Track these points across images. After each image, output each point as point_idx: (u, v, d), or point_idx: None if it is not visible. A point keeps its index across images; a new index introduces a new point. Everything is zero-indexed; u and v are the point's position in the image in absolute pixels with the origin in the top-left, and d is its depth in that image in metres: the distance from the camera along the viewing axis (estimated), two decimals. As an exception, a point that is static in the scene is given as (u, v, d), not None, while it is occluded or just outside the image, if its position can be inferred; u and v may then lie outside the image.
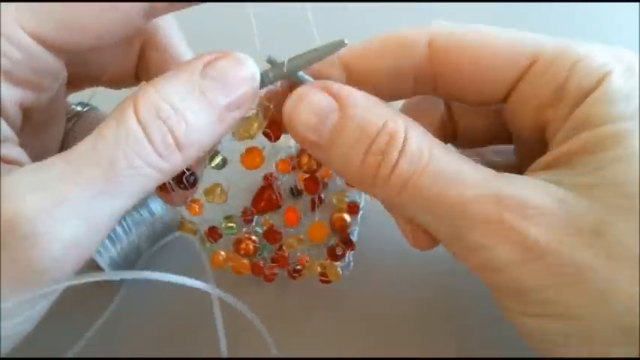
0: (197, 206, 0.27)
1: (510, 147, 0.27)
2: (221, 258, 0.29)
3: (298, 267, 0.29)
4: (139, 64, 0.25)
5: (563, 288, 0.18)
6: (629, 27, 0.39)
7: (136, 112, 0.19)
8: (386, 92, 0.22)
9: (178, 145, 0.19)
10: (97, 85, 0.26)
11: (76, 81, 0.25)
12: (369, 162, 0.20)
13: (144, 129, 0.19)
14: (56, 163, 0.18)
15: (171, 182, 0.24)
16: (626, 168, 0.18)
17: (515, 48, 0.21)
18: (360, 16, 0.44)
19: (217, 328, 0.23)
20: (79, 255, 0.19)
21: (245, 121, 0.22)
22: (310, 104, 0.20)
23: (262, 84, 0.21)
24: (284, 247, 0.28)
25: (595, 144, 0.18)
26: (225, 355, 0.23)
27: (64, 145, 0.27)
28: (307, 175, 0.27)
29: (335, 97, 0.20)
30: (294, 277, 0.29)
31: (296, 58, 0.21)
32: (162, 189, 0.24)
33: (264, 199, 0.27)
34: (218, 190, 0.27)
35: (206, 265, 0.27)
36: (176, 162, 0.20)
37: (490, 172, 0.19)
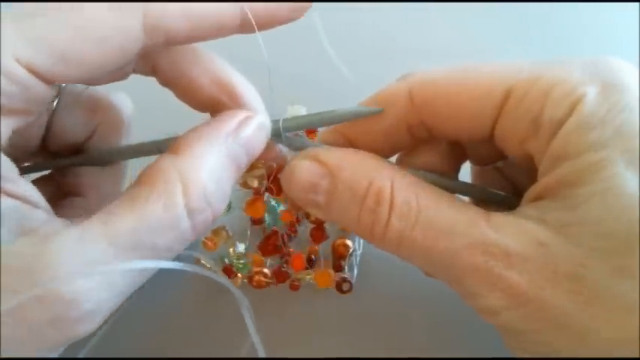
0: (211, 243, 0.29)
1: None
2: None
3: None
4: (140, 67, 0.24)
5: (548, 332, 0.18)
6: (629, 27, 0.40)
7: (186, 195, 0.20)
8: (386, 148, 0.24)
9: (215, 219, 0.21)
10: (85, 84, 0.25)
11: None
12: (364, 221, 0.21)
13: (190, 214, 0.20)
14: (99, 241, 0.19)
15: None
16: (601, 205, 0.18)
17: (488, 85, 0.21)
18: (369, 17, 0.43)
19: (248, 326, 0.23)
20: (103, 318, 0.20)
21: (249, 173, 0.25)
22: (302, 174, 0.22)
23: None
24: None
25: (573, 177, 0.18)
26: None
27: (51, 132, 0.26)
28: (313, 226, 0.30)
29: (323, 164, 0.22)
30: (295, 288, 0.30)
31: (297, 118, 0.24)
32: None
33: (270, 244, 0.30)
34: (223, 233, 0.30)
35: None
36: (204, 230, 0.21)
37: (478, 217, 0.20)
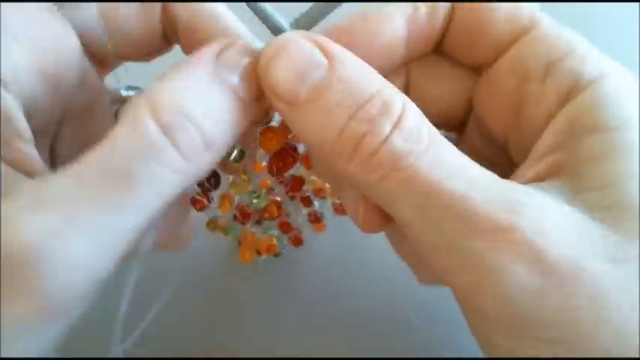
0: (227, 202, 0.27)
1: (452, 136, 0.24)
2: (250, 239, 0.29)
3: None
4: (164, 28, 0.23)
5: (584, 320, 0.15)
6: (629, 27, 0.39)
7: (154, 114, 0.17)
8: (384, 65, 0.20)
9: (207, 145, 0.17)
10: (127, 60, 0.25)
11: (101, 61, 0.23)
12: (352, 129, 0.17)
13: (167, 132, 0.17)
14: (60, 180, 0.16)
15: (196, 189, 0.23)
16: (636, 188, 0.16)
17: (519, 9, 0.19)
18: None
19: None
20: (91, 277, 0.17)
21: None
22: (294, 55, 0.17)
23: None
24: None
25: (604, 154, 0.16)
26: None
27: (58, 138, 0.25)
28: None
29: (324, 51, 0.17)
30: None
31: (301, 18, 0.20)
32: (195, 202, 0.24)
33: (281, 159, 0.25)
34: (243, 183, 0.26)
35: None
36: (204, 163, 0.18)
37: (498, 177, 0.17)
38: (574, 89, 0.17)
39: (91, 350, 0.24)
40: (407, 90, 0.23)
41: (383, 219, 0.19)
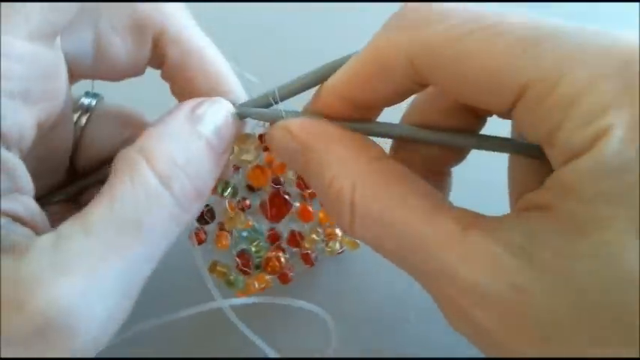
0: (224, 239, 0.29)
1: None
2: (254, 284, 0.30)
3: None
4: (152, 59, 0.24)
5: None
6: (629, 27, 0.39)
7: (151, 166, 0.18)
8: (393, 100, 0.21)
9: (198, 194, 0.19)
10: (103, 79, 0.25)
11: (81, 76, 0.24)
12: (329, 210, 0.20)
13: (165, 181, 0.18)
14: (75, 237, 0.17)
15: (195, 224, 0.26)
16: (595, 273, 0.15)
17: (502, 73, 0.17)
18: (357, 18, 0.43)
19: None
20: (116, 326, 0.18)
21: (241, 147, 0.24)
22: (279, 144, 0.21)
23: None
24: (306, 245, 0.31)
25: (573, 221, 0.16)
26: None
27: (80, 146, 0.26)
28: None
29: (295, 138, 0.21)
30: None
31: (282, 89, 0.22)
32: (196, 235, 0.27)
33: (275, 205, 0.29)
34: (239, 217, 0.29)
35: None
36: (196, 211, 0.20)
37: (450, 235, 0.17)
38: (571, 157, 0.16)
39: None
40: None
41: None
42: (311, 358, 0.28)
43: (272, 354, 0.25)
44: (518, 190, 0.22)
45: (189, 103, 0.21)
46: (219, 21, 0.25)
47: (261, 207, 0.27)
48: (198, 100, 0.21)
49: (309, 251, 0.31)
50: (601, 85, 0.15)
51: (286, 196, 0.29)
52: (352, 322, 0.29)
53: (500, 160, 0.23)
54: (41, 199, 0.21)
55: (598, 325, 0.15)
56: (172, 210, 0.18)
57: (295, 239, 0.30)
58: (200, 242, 0.28)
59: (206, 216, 0.27)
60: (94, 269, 0.17)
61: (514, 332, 0.16)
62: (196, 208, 0.20)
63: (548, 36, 0.16)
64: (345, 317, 0.29)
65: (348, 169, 0.19)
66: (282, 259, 0.30)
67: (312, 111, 0.22)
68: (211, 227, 0.29)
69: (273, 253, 0.30)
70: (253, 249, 0.30)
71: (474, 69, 0.17)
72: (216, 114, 0.21)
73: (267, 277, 0.30)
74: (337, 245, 0.31)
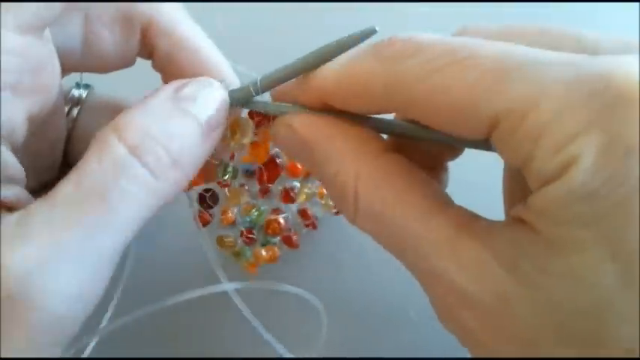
0: (230, 214, 0.29)
1: None
2: (265, 254, 0.31)
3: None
4: (141, 51, 0.24)
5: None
6: (629, 27, 0.40)
7: (121, 138, 0.18)
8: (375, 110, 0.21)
9: (174, 162, 0.19)
10: (93, 72, 0.25)
11: (71, 69, 0.24)
12: (334, 202, 0.20)
13: (134, 151, 0.18)
14: (40, 210, 0.17)
15: (196, 205, 0.26)
16: (571, 293, 0.15)
17: (473, 107, 0.17)
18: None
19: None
20: (88, 303, 0.18)
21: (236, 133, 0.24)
22: (283, 141, 0.22)
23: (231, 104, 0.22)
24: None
25: (549, 242, 0.16)
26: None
27: (73, 139, 0.26)
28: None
29: (299, 135, 0.21)
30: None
31: (266, 78, 0.22)
32: (200, 217, 0.26)
33: (269, 169, 0.28)
34: (237, 193, 0.29)
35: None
36: (173, 181, 0.19)
37: (444, 237, 0.18)
38: (543, 184, 0.16)
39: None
40: None
41: None
42: (310, 357, 0.29)
43: (272, 340, 0.25)
44: (510, 198, 0.22)
45: (174, 83, 0.21)
46: (219, 20, 0.25)
47: (256, 173, 0.27)
48: (184, 80, 0.21)
49: (293, 235, 0.32)
50: (568, 115, 0.15)
51: (278, 161, 0.29)
52: (352, 321, 0.29)
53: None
54: (35, 195, 0.21)
55: (573, 339, 0.16)
56: (146, 181, 0.18)
57: (288, 195, 0.30)
58: (205, 223, 0.27)
59: (209, 200, 0.27)
60: (55, 239, 0.16)
61: (496, 335, 0.17)
62: (177, 180, 0.19)
63: (516, 68, 0.16)
64: (345, 316, 0.29)
65: (351, 163, 0.19)
66: (282, 220, 0.30)
67: (302, 102, 0.21)
68: (216, 210, 0.29)
69: (272, 216, 0.30)
70: (256, 213, 0.30)
71: (446, 102, 0.17)
72: (205, 93, 0.21)
73: (275, 246, 0.31)
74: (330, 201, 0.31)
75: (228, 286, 0.24)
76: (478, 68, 0.17)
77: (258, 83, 0.21)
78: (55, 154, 0.25)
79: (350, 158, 0.20)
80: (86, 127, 0.26)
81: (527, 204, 0.17)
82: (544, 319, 0.16)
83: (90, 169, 0.17)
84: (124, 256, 0.27)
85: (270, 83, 0.21)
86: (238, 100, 0.22)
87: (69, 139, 0.26)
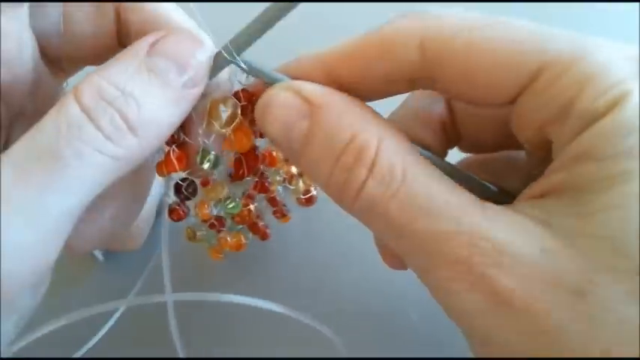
0: (206, 208, 0.26)
1: (523, 154, 0.24)
2: (230, 240, 0.30)
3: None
4: (119, 32, 0.23)
5: (535, 347, 0.16)
6: (629, 27, 0.39)
7: (77, 98, 0.18)
8: (378, 93, 0.20)
9: (131, 127, 0.18)
10: (83, 65, 0.25)
11: (57, 65, 0.23)
12: (336, 177, 0.18)
13: (88, 113, 0.17)
14: None
15: (173, 197, 0.23)
16: (623, 220, 0.15)
17: (519, 56, 0.17)
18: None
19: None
20: (35, 261, 0.17)
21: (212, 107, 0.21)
22: (279, 108, 0.19)
23: (217, 66, 0.20)
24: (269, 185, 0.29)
25: (593, 180, 0.16)
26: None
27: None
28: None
29: (307, 100, 0.19)
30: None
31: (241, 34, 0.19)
32: (172, 212, 0.24)
33: (250, 160, 0.24)
34: (217, 187, 0.26)
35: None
36: (132, 146, 0.18)
37: (470, 203, 0.17)
38: (587, 125, 0.17)
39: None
40: (452, 117, 0.24)
41: (400, 262, 0.21)
42: (309, 357, 0.28)
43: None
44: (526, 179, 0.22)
45: (151, 36, 0.19)
46: (219, 21, 0.25)
47: (235, 163, 0.23)
48: (161, 33, 0.20)
49: (260, 223, 0.31)
50: (618, 64, 0.16)
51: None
52: (352, 321, 0.29)
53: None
54: None
55: (631, 275, 0.15)
56: (100, 144, 0.17)
57: (264, 185, 0.27)
58: (178, 219, 0.25)
59: (185, 190, 0.23)
60: (5, 196, 0.16)
61: (539, 295, 0.16)
62: (134, 144, 0.18)
63: (559, 31, 0.18)
64: (345, 316, 0.29)
65: (375, 125, 0.18)
66: (252, 208, 0.28)
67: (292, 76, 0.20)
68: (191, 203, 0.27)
69: (245, 207, 0.28)
70: (231, 204, 0.27)
71: (486, 55, 0.17)
72: (181, 48, 0.19)
73: (240, 233, 0.30)
74: (300, 184, 0.30)
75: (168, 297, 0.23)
76: (521, 27, 0.18)
77: (229, 45, 0.19)
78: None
79: (374, 121, 0.19)
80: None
81: (553, 168, 0.17)
82: (598, 260, 0.15)
83: (45, 128, 0.17)
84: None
85: (240, 41, 0.19)
86: (215, 68, 0.20)
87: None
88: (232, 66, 0.20)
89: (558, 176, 0.17)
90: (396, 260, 0.21)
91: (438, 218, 0.17)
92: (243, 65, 0.20)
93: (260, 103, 0.19)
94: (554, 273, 0.16)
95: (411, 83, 0.20)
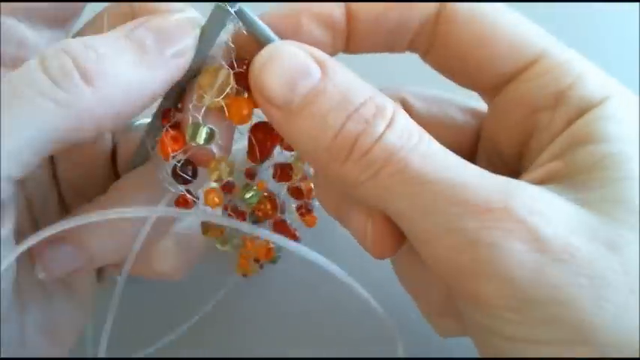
0: (214, 196, 0.22)
1: None
2: (250, 245, 0.28)
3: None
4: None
5: (580, 295, 0.15)
6: (629, 27, 0.39)
7: (43, 67, 0.18)
8: (376, 45, 0.21)
9: (84, 75, 0.17)
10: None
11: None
12: (349, 129, 0.17)
13: (42, 62, 0.18)
14: None
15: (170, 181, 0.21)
16: (631, 188, 0.17)
17: (525, 39, 0.20)
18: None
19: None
20: None
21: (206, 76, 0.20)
22: (287, 62, 0.18)
23: (208, 36, 0.19)
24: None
25: (596, 161, 0.17)
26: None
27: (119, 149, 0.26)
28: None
29: (317, 60, 0.18)
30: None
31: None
32: (180, 202, 0.22)
33: (268, 136, 0.22)
34: (222, 166, 0.21)
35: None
36: (83, 94, 0.17)
37: (493, 174, 0.17)
38: (581, 113, 0.18)
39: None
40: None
41: (393, 239, 0.19)
42: (309, 358, 0.28)
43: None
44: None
45: (137, 20, 0.19)
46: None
47: (248, 146, 0.21)
48: (149, 16, 0.20)
49: (282, 218, 0.27)
50: (601, 74, 0.20)
51: None
52: (351, 321, 0.29)
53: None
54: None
55: None
56: (48, 90, 0.17)
57: (285, 172, 0.24)
58: (186, 207, 0.22)
59: (181, 170, 0.20)
60: None
61: (579, 243, 0.16)
62: (87, 93, 0.18)
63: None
64: (344, 316, 0.29)
65: (393, 89, 0.19)
66: (277, 201, 0.25)
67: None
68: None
69: (265, 195, 0.25)
70: (247, 195, 0.24)
71: (496, 28, 0.20)
72: (162, 21, 0.19)
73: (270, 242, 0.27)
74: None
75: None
76: (527, 21, 0.21)
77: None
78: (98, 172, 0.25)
79: (390, 86, 0.19)
80: (122, 148, 0.25)
81: (564, 138, 0.18)
82: (621, 219, 0.16)
83: (7, 77, 0.18)
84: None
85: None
86: (213, 26, 0.19)
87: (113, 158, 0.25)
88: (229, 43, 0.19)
89: (557, 164, 0.18)
90: (388, 237, 0.19)
91: (465, 169, 0.17)
92: (232, 11, 0.19)
93: (261, 57, 0.18)
94: (591, 226, 0.16)
95: (410, 44, 0.21)
